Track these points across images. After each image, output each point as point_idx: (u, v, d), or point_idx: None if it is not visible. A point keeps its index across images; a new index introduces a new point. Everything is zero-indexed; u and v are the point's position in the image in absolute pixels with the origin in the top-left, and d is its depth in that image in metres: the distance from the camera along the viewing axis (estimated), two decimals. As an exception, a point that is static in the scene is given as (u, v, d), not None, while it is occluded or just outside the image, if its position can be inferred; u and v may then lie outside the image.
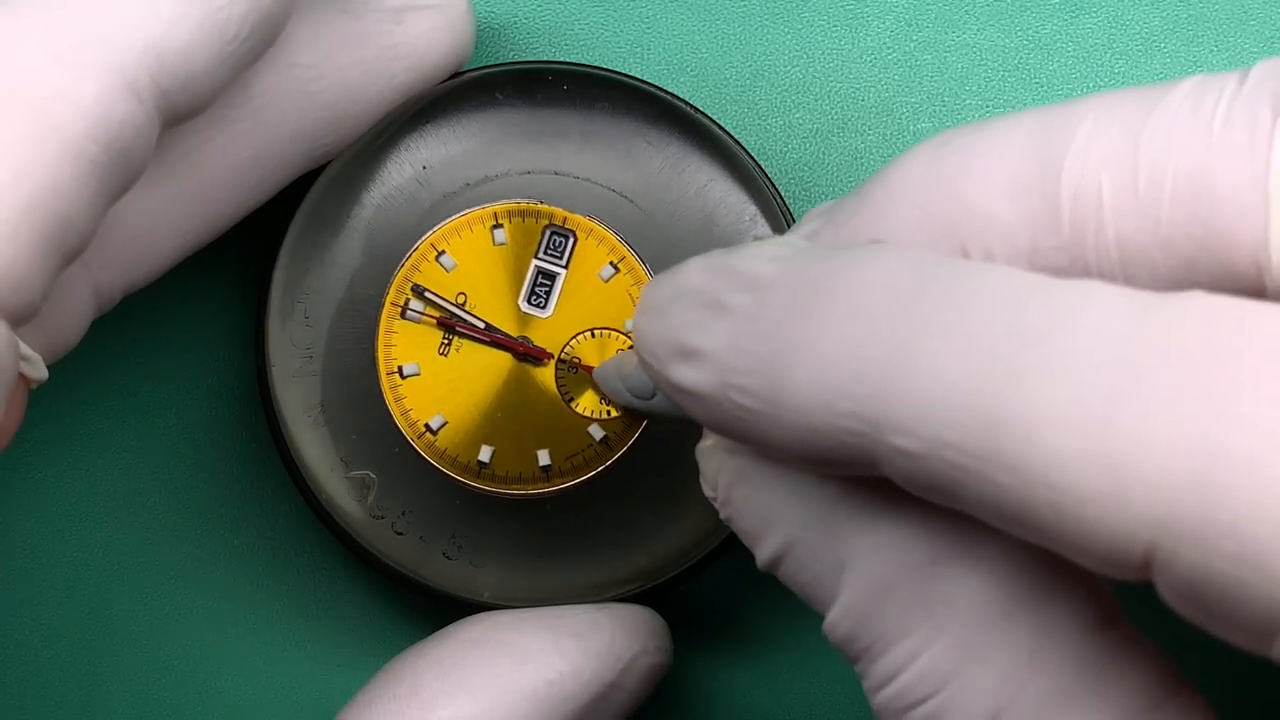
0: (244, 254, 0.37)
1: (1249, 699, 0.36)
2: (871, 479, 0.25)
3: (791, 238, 0.27)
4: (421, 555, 0.34)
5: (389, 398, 0.33)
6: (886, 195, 0.27)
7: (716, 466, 0.28)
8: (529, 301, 0.34)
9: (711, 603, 0.37)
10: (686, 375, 0.26)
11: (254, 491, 0.37)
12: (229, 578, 0.37)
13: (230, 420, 0.37)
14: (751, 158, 0.35)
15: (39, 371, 0.30)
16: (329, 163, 0.34)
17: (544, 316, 0.34)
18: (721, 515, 0.28)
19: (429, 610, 0.35)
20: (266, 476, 0.37)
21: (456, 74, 0.35)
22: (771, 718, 0.37)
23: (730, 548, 0.34)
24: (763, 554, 0.27)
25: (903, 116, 0.38)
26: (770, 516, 0.27)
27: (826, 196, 0.37)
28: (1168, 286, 0.24)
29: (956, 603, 0.25)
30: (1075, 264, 0.25)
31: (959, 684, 0.25)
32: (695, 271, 0.26)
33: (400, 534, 0.34)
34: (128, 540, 0.37)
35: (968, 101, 0.38)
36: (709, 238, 0.34)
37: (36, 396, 0.35)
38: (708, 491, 0.28)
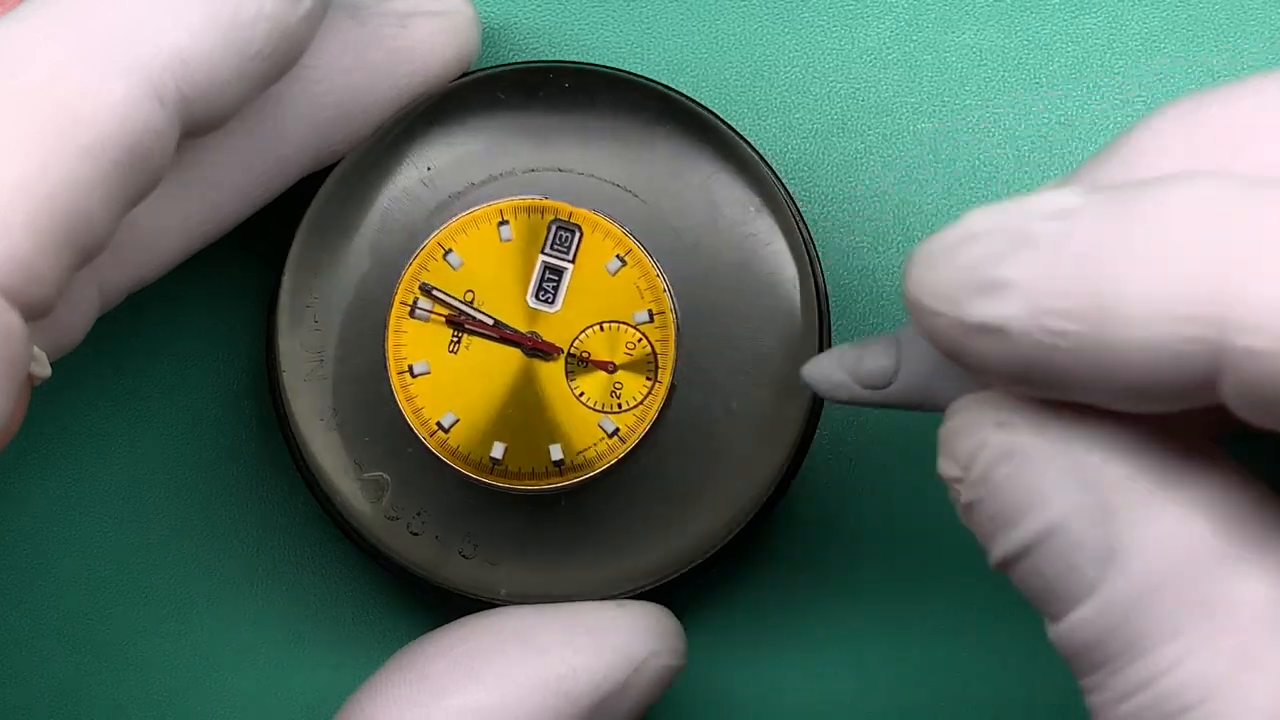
0: (250, 260, 0.37)
1: None
2: (1171, 453, 0.24)
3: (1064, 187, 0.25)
4: (438, 555, 0.34)
5: (400, 397, 0.33)
6: (1154, 145, 0.26)
7: (977, 443, 0.25)
8: (537, 297, 0.34)
9: (727, 602, 0.37)
10: (991, 310, 0.24)
11: (262, 495, 0.37)
12: (237, 581, 0.37)
13: (237, 425, 0.37)
14: (752, 148, 0.35)
15: (44, 369, 0.30)
16: (334, 165, 0.34)
17: (552, 312, 0.34)
18: (964, 498, 0.26)
19: (445, 611, 0.34)
20: (275, 480, 0.37)
21: (459, 76, 0.35)
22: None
23: (744, 540, 0.34)
24: (1015, 539, 0.25)
25: (903, 116, 0.38)
26: (1036, 498, 0.25)
27: (827, 196, 0.37)
28: None
29: (1241, 605, 0.23)
30: None
31: (1230, 693, 0.23)
32: (979, 216, 0.25)
33: (416, 534, 0.34)
34: (133, 546, 0.37)
35: (968, 101, 0.38)
36: (714, 229, 0.34)
37: (49, 404, 0.35)
38: (951, 472, 0.26)
